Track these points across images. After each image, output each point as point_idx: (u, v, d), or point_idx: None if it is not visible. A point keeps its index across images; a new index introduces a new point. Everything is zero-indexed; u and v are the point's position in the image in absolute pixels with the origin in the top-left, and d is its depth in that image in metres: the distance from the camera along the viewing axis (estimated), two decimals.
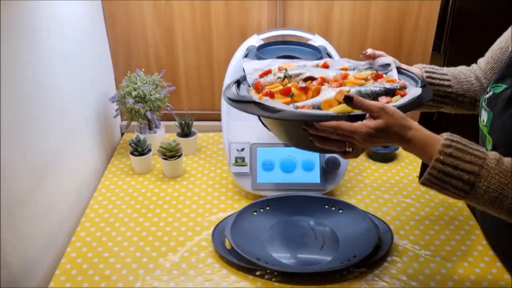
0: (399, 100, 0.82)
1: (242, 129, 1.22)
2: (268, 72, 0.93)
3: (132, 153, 1.29)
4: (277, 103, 0.80)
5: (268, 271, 0.96)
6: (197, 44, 1.43)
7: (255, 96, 0.84)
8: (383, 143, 0.79)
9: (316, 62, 0.99)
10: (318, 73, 0.91)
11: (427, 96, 0.85)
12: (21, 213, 0.90)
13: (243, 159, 1.19)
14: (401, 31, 1.40)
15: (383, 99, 0.82)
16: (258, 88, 0.89)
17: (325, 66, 0.97)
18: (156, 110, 1.33)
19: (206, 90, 1.50)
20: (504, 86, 0.86)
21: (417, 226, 1.10)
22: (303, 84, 0.86)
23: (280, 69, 0.93)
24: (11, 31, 0.86)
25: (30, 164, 0.94)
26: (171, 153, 1.26)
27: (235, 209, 1.14)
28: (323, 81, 0.88)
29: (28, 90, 0.93)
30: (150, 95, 1.30)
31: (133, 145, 1.28)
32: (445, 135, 0.76)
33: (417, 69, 1.00)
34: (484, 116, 0.89)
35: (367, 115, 0.77)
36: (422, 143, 0.76)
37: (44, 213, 0.99)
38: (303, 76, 0.90)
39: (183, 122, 1.37)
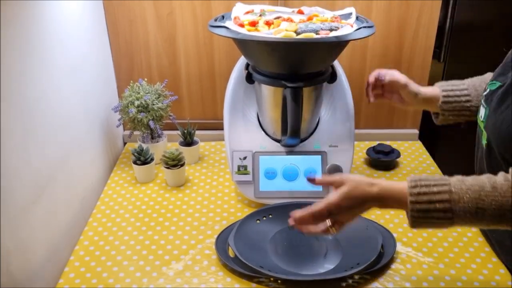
0: (331, 33, 1.01)
1: (245, 137, 1.22)
2: (251, 11, 1.16)
3: (134, 162, 1.29)
4: (241, 29, 1.03)
5: (272, 279, 0.96)
6: (199, 54, 1.44)
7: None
8: (356, 208, 0.82)
9: (294, 10, 1.19)
10: (288, 15, 1.13)
11: (354, 36, 1.02)
12: (24, 221, 0.90)
13: (245, 167, 1.19)
14: (401, 39, 1.42)
15: (322, 32, 1.00)
16: (235, 20, 1.10)
17: (300, 12, 1.17)
18: (159, 119, 1.33)
19: (208, 99, 1.51)
20: (498, 84, 0.90)
21: (420, 233, 1.10)
22: (269, 19, 1.09)
23: (261, 11, 1.16)
24: (17, 42, 0.87)
25: (34, 173, 0.94)
26: (173, 162, 1.26)
27: (238, 218, 1.14)
28: (289, 20, 1.08)
29: (32, 100, 0.94)
30: (153, 104, 1.31)
31: (135, 154, 1.28)
32: (408, 178, 0.80)
33: (435, 88, 1.08)
34: (482, 112, 0.93)
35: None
36: (390, 193, 0.80)
37: (47, 222, 1.00)
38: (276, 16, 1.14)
39: (185, 131, 1.38)
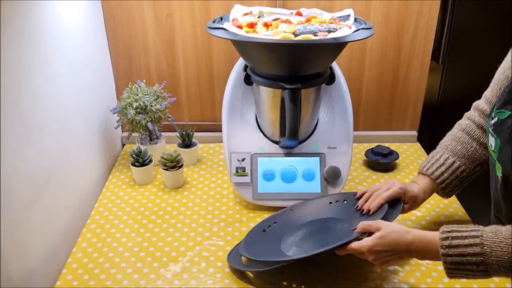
0: (329, 35, 1.01)
1: (243, 139, 1.22)
2: (250, 13, 1.16)
3: (133, 164, 1.29)
4: (240, 30, 1.03)
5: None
6: (197, 56, 1.44)
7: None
8: (390, 253, 0.84)
9: (292, 11, 1.18)
10: (287, 16, 1.14)
11: (352, 37, 1.02)
12: (23, 223, 0.90)
13: (243, 169, 1.19)
14: (399, 41, 1.42)
15: (320, 34, 1.01)
16: (233, 22, 1.10)
17: (299, 14, 1.16)
18: (157, 121, 1.33)
19: (207, 101, 1.51)
20: (508, 112, 0.86)
21: None
22: (267, 20, 1.09)
23: (259, 12, 1.15)
24: (16, 43, 0.87)
25: (32, 175, 0.94)
26: (172, 164, 1.26)
27: (236, 219, 1.14)
28: (288, 21, 1.09)
29: (31, 101, 0.93)
30: (151, 106, 1.31)
31: (134, 156, 1.28)
32: (441, 228, 0.81)
33: (426, 181, 1.06)
34: (491, 142, 0.89)
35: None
36: (423, 241, 0.81)
37: (45, 224, 1.00)
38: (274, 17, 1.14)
39: (184, 133, 1.38)
